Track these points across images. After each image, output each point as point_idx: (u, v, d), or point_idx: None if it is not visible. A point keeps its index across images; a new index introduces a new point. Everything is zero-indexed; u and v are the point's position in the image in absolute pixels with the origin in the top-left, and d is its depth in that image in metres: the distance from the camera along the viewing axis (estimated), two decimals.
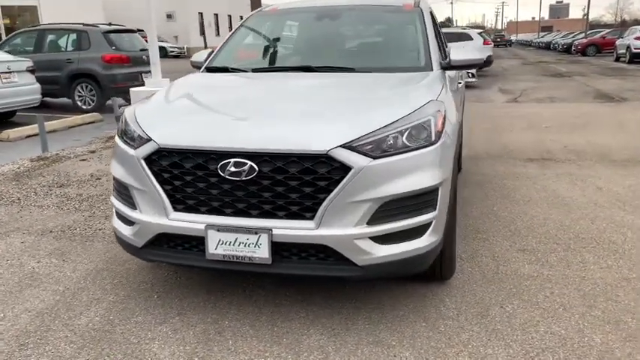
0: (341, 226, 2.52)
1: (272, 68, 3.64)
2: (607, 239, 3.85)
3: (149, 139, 2.72)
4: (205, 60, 3.98)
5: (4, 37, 11.87)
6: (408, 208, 2.61)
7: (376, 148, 2.55)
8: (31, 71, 9.62)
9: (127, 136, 2.89)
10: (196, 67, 3.98)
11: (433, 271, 3.07)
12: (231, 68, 3.73)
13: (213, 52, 4.06)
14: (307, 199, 2.53)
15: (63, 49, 11.46)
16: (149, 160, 2.71)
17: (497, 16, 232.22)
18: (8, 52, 11.48)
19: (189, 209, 2.68)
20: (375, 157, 2.52)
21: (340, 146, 2.49)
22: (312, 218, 2.53)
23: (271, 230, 2.54)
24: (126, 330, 2.75)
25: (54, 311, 2.96)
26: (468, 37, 19.57)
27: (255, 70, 3.65)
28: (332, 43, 4.01)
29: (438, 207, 2.68)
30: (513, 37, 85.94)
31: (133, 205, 2.83)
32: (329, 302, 2.98)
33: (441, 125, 2.76)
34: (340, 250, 2.54)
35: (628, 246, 3.72)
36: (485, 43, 19.79)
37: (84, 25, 11.53)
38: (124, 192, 2.89)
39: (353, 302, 2.98)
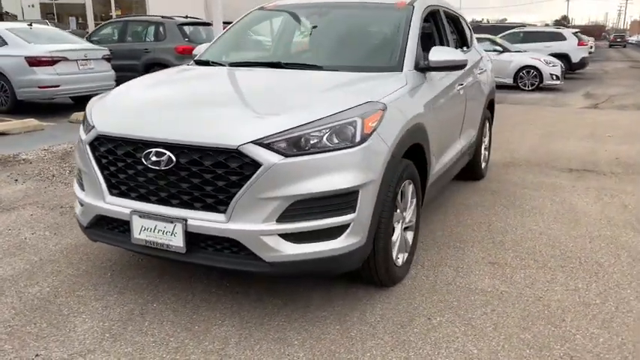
0: (249, 222, 2.55)
1: (246, 63, 3.70)
2: (595, 260, 3.56)
3: (93, 127, 2.90)
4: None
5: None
6: (321, 209, 2.58)
7: (291, 146, 2.54)
8: (107, 59, 10.34)
9: (84, 124, 3.09)
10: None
11: (372, 276, 3.02)
12: (212, 62, 3.84)
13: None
14: (220, 193, 2.58)
15: (142, 40, 12.21)
16: (92, 146, 2.89)
17: (619, 15, 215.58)
18: (97, 41, 12.45)
19: (121, 194, 2.82)
20: (287, 155, 2.52)
21: (251, 142, 2.51)
22: (224, 212, 2.58)
23: (186, 220, 2.63)
24: (64, 302, 2.96)
25: (15, 278, 3.23)
26: (561, 38, 18.45)
27: (231, 65, 3.73)
28: (312, 40, 4.00)
29: (358, 209, 2.64)
30: (633, 38, 79.49)
31: (82, 188, 3.03)
32: (262, 297, 3.02)
33: (370, 127, 2.70)
34: (248, 245, 2.57)
35: (613, 269, 3.42)
36: (580, 44, 18.56)
37: (162, 17, 12.20)
38: (78, 175, 3.10)
39: (284, 299, 2.99)
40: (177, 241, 2.65)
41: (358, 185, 2.62)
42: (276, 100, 2.88)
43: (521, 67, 14.78)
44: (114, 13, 30.89)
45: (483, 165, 5.58)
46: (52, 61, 9.21)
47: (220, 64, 3.78)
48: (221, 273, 3.24)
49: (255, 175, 2.50)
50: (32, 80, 9.13)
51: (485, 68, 5.25)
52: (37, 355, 2.49)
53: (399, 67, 3.40)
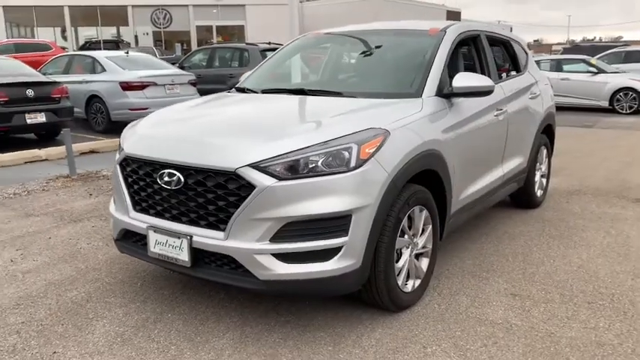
0: (245, 240, 2.70)
1: (276, 90, 3.89)
2: (629, 299, 3.32)
3: (122, 149, 3.20)
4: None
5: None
6: (314, 231, 2.68)
7: (287, 169, 2.67)
8: (193, 84, 11.06)
9: (119, 147, 3.41)
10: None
11: (374, 300, 3.05)
12: (247, 89, 4.08)
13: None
14: (221, 212, 2.76)
15: (228, 65, 12.93)
16: (121, 166, 3.19)
17: None
18: (188, 66, 13.35)
19: (142, 210, 3.09)
20: (282, 179, 2.65)
21: (248, 165, 2.67)
22: (224, 230, 2.75)
23: (192, 237, 2.82)
24: (92, 307, 3.26)
25: (60, 283, 3.60)
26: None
27: (263, 91, 3.94)
28: (339, 67, 4.11)
29: (350, 233, 2.70)
30: None
31: (115, 204, 3.34)
32: (268, 313, 3.14)
33: (367, 153, 2.76)
34: (243, 263, 2.72)
35: None
36: None
37: (247, 44, 12.87)
38: (114, 192, 3.42)
39: (288, 317, 3.10)
40: (184, 256, 2.85)
41: (351, 209, 2.68)
42: (282, 125, 3.03)
43: (618, 88, 13.90)
44: (215, 40, 32.82)
45: (539, 193, 5.36)
46: (142, 86, 10.02)
47: (254, 91, 4.00)
48: (237, 289, 3.41)
49: (250, 197, 2.65)
50: (125, 103, 9.97)
51: (539, 93, 5.07)
52: (54, 353, 2.78)
53: (417, 94, 3.43)
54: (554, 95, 14.42)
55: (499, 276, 3.68)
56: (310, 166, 2.68)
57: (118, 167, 3.21)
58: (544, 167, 5.48)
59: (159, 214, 3.00)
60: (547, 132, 5.39)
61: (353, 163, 2.71)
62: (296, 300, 3.26)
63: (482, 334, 2.91)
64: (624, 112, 13.79)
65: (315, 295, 3.18)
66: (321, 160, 2.69)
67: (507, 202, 5.34)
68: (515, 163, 4.67)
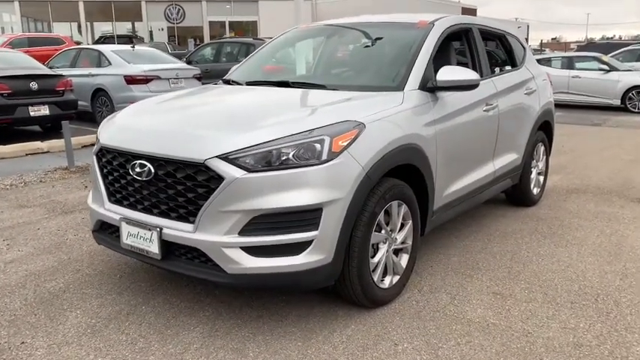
0: (213, 233, 2.66)
1: (260, 82, 3.84)
2: (614, 299, 3.24)
3: (99, 140, 3.18)
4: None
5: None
6: (283, 224, 2.63)
7: (257, 161, 2.63)
8: (198, 78, 11.06)
9: (97, 137, 3.39)
10: None
11: (349, 295, 3.00)
12: (232, 81, 4.04)
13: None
14: (191, 204, 2.72)
15: (235, 60, 12.91)
16: (97, 156, 3.17)
17: None
18: (196, 61, 13.36)
19: (116, 202, 3.07)
20: (251, 170, 2.61)
21: (217, 157, 2.63)
22: (193, 222, 2.72)
23: (162, 229, 2.79)
24: (68, 298, 3.25)
25: (40, 274, 3.60)
26: None
27: (248, 84, 3.90)
28: (325, 59, 4.05)
29: (321, 227, 2.65)
30: None
31: (92, 194, 3.33)
32: (243, 308, 3.11)
33: (340, 145, 2.71)
34: (211, 256, 2.68)
35: (630, 311, 3.09)
36: None
37: (254, 38, 12.85)
38: (92, 183, 3.40)
39: (262, 312, 3.06)
40: (154, 248, 2.82)
41: (321, 203, 2.64)
42: (257, 117, 2.98)
43: (630, 87, 13.64)
44: (228, 35, 32.87)
45: (535, 191, 5.26)
46: (146, 80, 10.04)
47: (239, 84, 3.96)
48: (209, 282, 3.37)
49: (218, 189, 2.61)
50: (129, 97, 9.97)
51: (536, 88, 4.97)
52: (22, 343, 2.77)
53: (400, 87, 3.37)
54: (565, 93, 14.20)
55: (483, 274, 3.61)
56: (281, 158, 2.64)
57: (94, 158, 3.19)
58: (541, 165, 5.38)
59: (131, 206, 2.97)
60: (544, 129, 5.28)
61: (325, 156, 2.66)
62: (273, 295, 3.22)
63: (458, 333, 2.85)
64: (636, 110, 13.54)
65: (285, 290, 3.14)
66: (292, 153, 2.64)
67: (503, 199, 5.25)
68: (508, 159, 4.58)
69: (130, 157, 2.92)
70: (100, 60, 10.83)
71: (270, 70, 4.17)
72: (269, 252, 2.65)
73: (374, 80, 3.59)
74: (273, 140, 2.66)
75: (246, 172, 2.60)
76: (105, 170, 3.11)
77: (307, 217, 2.64)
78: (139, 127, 3.11)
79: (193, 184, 2.69)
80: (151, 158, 2.82)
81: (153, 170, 2.80)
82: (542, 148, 5.34)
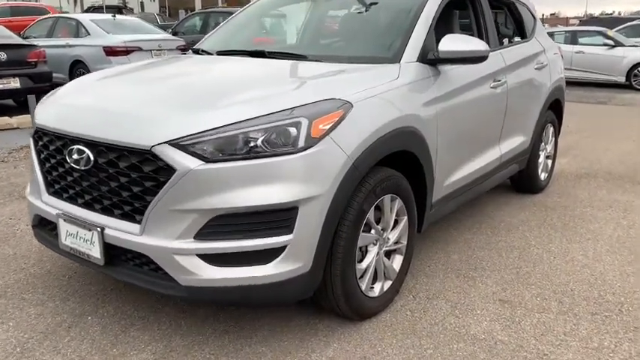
0: (162, 237, 2.17)
1: (232, 52, 3.30)
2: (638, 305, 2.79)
3: (34, 119, 2.66)
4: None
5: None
6: (249, 227, 2.14)
7: (217, 148, 2.12)
8: (183, 49, 10.44)
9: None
10: None
11: (332, 307, 2.53)
12: (202, 50, 3.50)
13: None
14: (137, 200, 2.23)
15: None
16: (34, 139, 2.66)
17: None
18: (182, 32, 12.71)
19: (55, 193, 2.56)
20: (209, 160, 2.10)
21: (166, 143, 2.12)
22: (140, 222, 2.22)
23: (104, 229, 2.30)
24: (2, 305, 2.77)
25: None
26: None
27: (219, 53, 3.36)
28: (308, 27, 3.52)
29: (296, 229, 2.16)
30: None
31: (30, 184, 2.82)
32: (207, 319, 2.64)
33: (320, 130, 2.20)
34: (161, 265, 2.20)
35: None
36: None
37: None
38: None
39: (229, 325, 2.59)
40: (96, 252, 2.33)
41: (297, 201, 2.14)
42: (221, 93, 2.45)
43: (635, 63, 13.08)
44: (220, 4, 31.90)
45: (543, 176, 4.78)
46: (126, 51, 9.43)
47: (209, 53, 3.43)
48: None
49: (169, 182, 2.11)
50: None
51: (546, 63, 4.45)
52: None
53: (395, 59, 2.84)
54: (567, 69, 13.64)
55: (488, 276, 3.14)
56: (247, 145, 2.13)
57: (31, 141, 2.68)
58: (550, 147, 4.89)
59: (71, 199, 2.47)
60: (554, 108, 4.77)
61: (301, 143, 2.16)
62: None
63: (459, 355, 2.39)
64: None
65: (252, 306, 2.65)
66: (261, 139, 2.14)
67: (507, 185, 4.77)
68: (515, 142, 4.08)
69: (68, 140, 2.41)
70: (78, 30, 10.19)
71: (245, 39, 3.62)
72: (232, 260, 2.16)
73: (365, 50, 3.06)
74: (237, 123, 2.16)
75: (203, 163, 2.10)
76: (42, 156, 2.60)
77: (279, 217, 2.15)
78: (80, 104, 2.59)
79: (139, 175, 2.19)
80: (90, 143, 2.31)
81: (92, 157, 2.29)
82: (551, 130, 4.84)
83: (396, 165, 2.68)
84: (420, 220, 2.97)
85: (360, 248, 2.52)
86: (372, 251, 2.60)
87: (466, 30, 3.71)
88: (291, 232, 2.16)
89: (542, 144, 4.68)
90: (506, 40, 4.18)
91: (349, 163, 2.28)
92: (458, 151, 3.23)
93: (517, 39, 4.36)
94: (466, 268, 3.25)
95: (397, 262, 2.80)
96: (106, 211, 2.33)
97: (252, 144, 2.13)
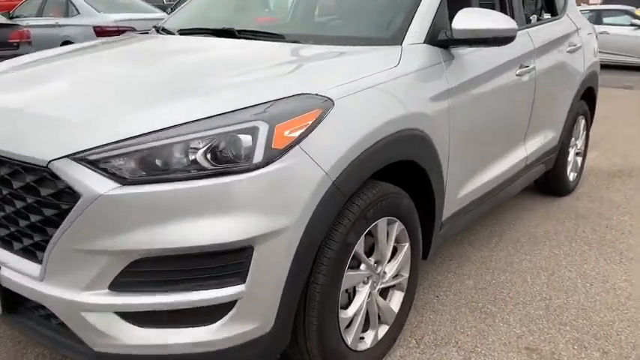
0: (68, 285, 1.58)
1: (196, 30, 2.66)
2: None
3: None
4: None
5: None
6: (185, 274, 1.55)
7: (139, 165, 1.52)
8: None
9: None
10: None
11: None
12: (163, 29, 2.87)
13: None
14: (38, 233, 1.63)
15: None
16: None
17: None
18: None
19: None
20: (128, 182, 1.50)
21: (68, 157, 1.52)
22: (41, 262, 1.63)
23: (0, 267, 1.71)
24: None
25: None
26: None
27: (181, 33, 2.73)
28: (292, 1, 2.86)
29: (251, 277, 1.56)
30: None
31: None
32: None
33: (287, 138, 1.58)
34: (67, 323, 1.61)
35: None
36: None
37: None
38: None
39: None
40: None
41: (251, 238, 1.54)
42: (155, 87, 1.84)
43: None
44: None
45: (572, 177, 4.13)
46: (118, 31, 8.79)
47: (170, 32, 2.80)
48: None
49: (72, 212, 1.51)
50: None
51: (580, 45, 3.77)
52: None
53: (396, 39, 2.21)
54: None
55: (511, 311, 2.53)
56: (182, 160, 1.53)
57: None
58: (580, 143, 4.23)
59: None
60: (587, 97, 4.10)
61: (258, 157, 1.55)
62: None
63: None
64: None
65: None
66: (201, 151, 1.53)
67: (530, 186, 4.12)
68: (543, 140, 3.44)
69: None
70: (67, 8, 9.57)
71: (216, 14, 2.98)
72: (163, 321, 1.57)
73: (356, 29, 2.42)
74: (169, 128, 1.55)
75: (118, 185, 1.50)
76: None
77: (227, 261, 1.55)
78: None
79: (37, 200, 1.59)
80: None
81: None
82: (582, 123, 4.18)
83: (395, 177, 2.06)
84: (427, 244, 2.36)
85: (347, 290, 1.92)
86: (363, 292, 2.00)
87: (486, 4, 3.05)
88: (243, 280, 1.56)
89: (573, 139, 4.02)
90: (533, 18, 3.50)
91: (327, 182, 1.66)
92: (475, 156, 2.60)
93: (547, 16, 3.67)
94: (484, 299, 2.64)
95: (396, 300, 2.20)
96: (4, 243, 1.74)
97: (189, 158, 1.53)
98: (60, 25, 9.48)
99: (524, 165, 3.21)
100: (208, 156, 1.53)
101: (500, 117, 2.77)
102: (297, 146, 1.60)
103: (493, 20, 2.25)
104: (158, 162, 1.52)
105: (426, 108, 2.11)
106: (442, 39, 2.29)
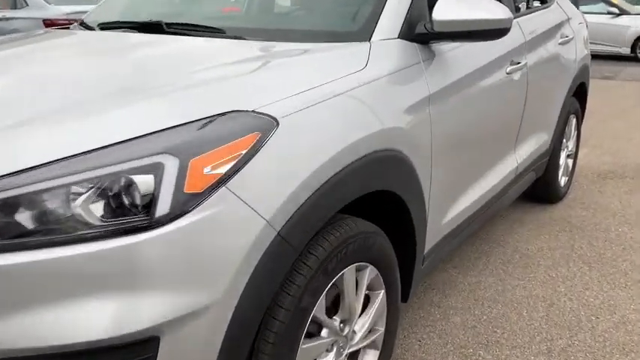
0: None
1: (118, 24, 2.17)
2: None
3: None
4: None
5: None
6: None
7: None
8: None
9: None
10: None
11: None
12: (82, 23, 2.38)
13: None
14: None
15: None
16: None
17: None
18: None
19: None
20: None
21: None
22: None
23: None
24: None
25: None
26: None
27: (102, 27, 2.22)
28: None
29: None
30: None
31: None
32: None
33: (207, 178, 1.12)
34: None
35: None
36: None
37: None
38: None
39: None
40: None
41: (156, 327, 1.08)
42: (28, 105, 1.34)
43: None
44: None
45: (563, 181, 3.74)
46: (68, 24, 8.16)
47: (90, 28, 2.30)
48: None
49: None
50: None
51: (572, 36, 3.36)
52: None
53: (364, 34, 1.75)
54: None
55: (507, 358, 2.11)
56: (54, 214, 1.05)
57: None
58: (571, 144, 3.84)
59: None
60: (578, 94, 3.70)
61: (164, 208, 1.09)
62: None
63: None
64: None
65: None
66: (81, 199, 1.05)
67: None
68: (534, 145, 3.03)
69: None
70: (16, 0, 8.87)
71: (149, 5, 2.47)
72: None
73: (313, 21, 1.95)
74: (36, 168, 1.07)
75: None
76: None
77: (122, 358, 1.08)
78: None
79: None
80: None
81: None
82: (574, 122, 3.79)
83: (364, 207, 1.61)
84: (407, 284, 1.92)
85: None
86: None
87: None
88: None
89: (564, 140, 3.62)
90: (522, 6, 3.07)
91: (270, 233, 1.21)
92: (462, 173, 2.17)
93: (536, 3, 3.25)
94: (474, 342, 2.21)
95: None
96: None
97: (63, 213, 1.05)
98: (7, 19, 8.77)
99: (514, 175, 2.80)
100: (93, 207, 1.06)
101: (489, 124, 2.34)
102: (224, 187, 1.14)
103: (483, 8, 1.80)
104: (16, 220, 1.04)
105: (403, 121, 1.66)
106: (420, 33, 1.84)
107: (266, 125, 1.24)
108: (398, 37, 1.79)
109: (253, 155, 1.20)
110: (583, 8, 12.66)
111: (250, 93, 1.31)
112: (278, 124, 1.26)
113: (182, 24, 1.94)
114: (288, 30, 1.83)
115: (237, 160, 1.17)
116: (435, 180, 1.88)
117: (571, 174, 3.94)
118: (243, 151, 1.18)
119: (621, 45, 12.11)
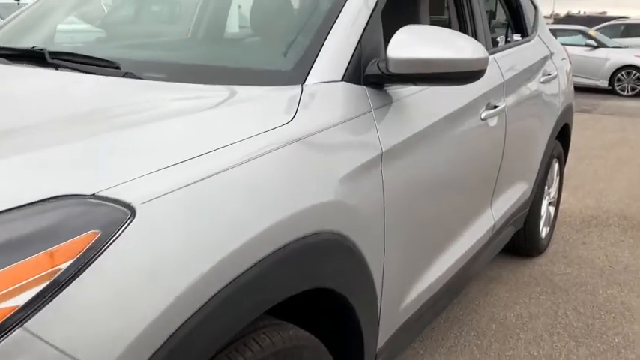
0: None
1: (7, 51, 1.72)
2: None
3: None
4: None
5: None
6: None
7: None
8: None
9: None
10: None
11: None
12: None
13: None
14: None
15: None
16: None
17: None
18: None
19: None
20: None
21: None
22: None
23: None
24: None
25: None
26: None
27: None
28: (148, 8, 1.97)
29: None
30: None
31: None
32: None
33: (5, 311, 0.67)
34: None
35: None
36: None
37: None
38: None
39: None
40: None
41: None
42: None
43: (619, 66, 11.90)
44: None
45: (544, 232, 3.36)
46: None
47: None
48: None
49: None
50: None
51: (555, 73, 3.02)
52: None
53: (295, 75, 1.33)
54: None
55: None
56: None
57: None
58: (553, 192, 3.48)
59: None
60: (561, 136, 3.35)
61: None
62: None
63: None
64: (625, 93, 11.85)
65: None
66: None
67: None
68: (513, 197, 2.64)
69: None
70: None
71: (47, 27, 2.03)
72: None
73: (234, 55, 1.53)
74: None
75: None
76: None
77: None
78: None
79: None
80: None
81: None
82: (556, 167, 3.43)
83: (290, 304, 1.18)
84: None
85: None
86: None
87: (439, 20, 2.24)
88: None
89: (546, 188, 3.25)
90: (501, 40, 2.71)
91: None
92: (426, 246, 1.75)
93: (516, 37, 2.89)
94: None
95: None
96: None
97: None
98: None
99: (490, 234, 2.40)
100: None
101: (461, 182, 1.94)
102: (19, 329, 0.69)
103: (451, 46, 1.40)
104: None
105: (343, 193, 1.24)
106: (372, 74, 1.43)
107: (112, 218, 0.81)
108: (342, 80, 1.38)
109: (82, 270, 0.76)
110: (561, 40, 12.57)
111: (98, 164, 0.88)
112: (134, 214, 0.83)
113: (69, 54, 1.50)
114: (198, 66, 1.41)
115: (49, 281, 0.73)
116: (390, 262, 1.45)
117: (553, 223, 3.57)
118: (64, 265, 0.75)
119: (599, 78, 12.00)
